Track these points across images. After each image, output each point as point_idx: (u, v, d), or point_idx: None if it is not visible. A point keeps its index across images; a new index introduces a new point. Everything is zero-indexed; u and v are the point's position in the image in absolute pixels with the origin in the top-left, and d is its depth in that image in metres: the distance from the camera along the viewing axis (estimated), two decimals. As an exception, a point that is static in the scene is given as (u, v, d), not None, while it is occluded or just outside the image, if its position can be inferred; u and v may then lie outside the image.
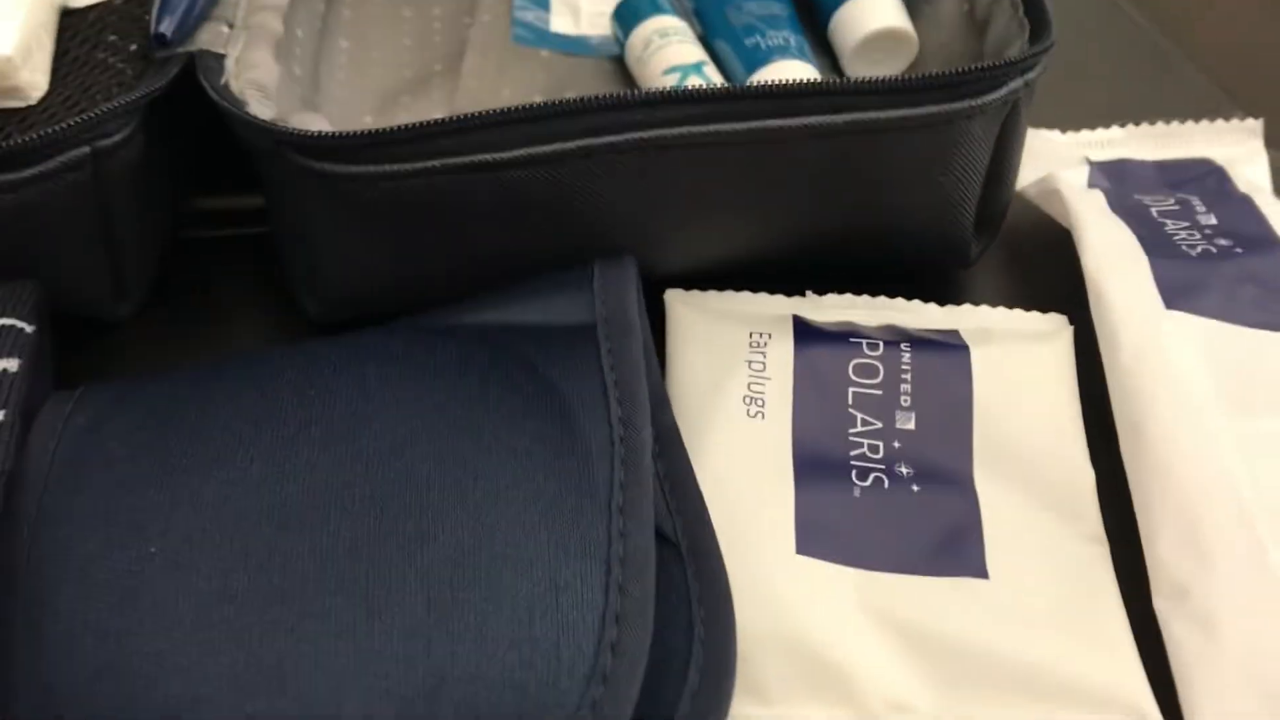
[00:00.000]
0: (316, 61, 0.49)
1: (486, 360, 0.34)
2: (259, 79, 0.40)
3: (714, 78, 0.47)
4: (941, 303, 0.41)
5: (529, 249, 0.39)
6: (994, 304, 0.42)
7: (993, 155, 0.40)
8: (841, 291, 0.41)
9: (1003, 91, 0.38)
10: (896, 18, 0.50)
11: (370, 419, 0.31)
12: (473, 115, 0.35)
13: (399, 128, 0.35)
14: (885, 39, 0.50)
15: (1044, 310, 0.41)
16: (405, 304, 0.40)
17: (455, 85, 0.50)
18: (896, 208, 0.40)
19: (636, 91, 0.36)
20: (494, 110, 0.35)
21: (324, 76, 0.50)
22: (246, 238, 0.46)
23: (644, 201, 0.38)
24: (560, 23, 0.54)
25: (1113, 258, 0.40)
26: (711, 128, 0.36)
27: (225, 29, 0.42)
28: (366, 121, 0.49)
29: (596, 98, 0.35)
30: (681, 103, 0.36)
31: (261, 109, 0.39)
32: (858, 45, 0.50)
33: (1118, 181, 0.46)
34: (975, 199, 0.41)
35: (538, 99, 0.51)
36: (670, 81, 0.47)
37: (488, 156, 0.35)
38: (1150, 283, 0.39)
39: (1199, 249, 0.40)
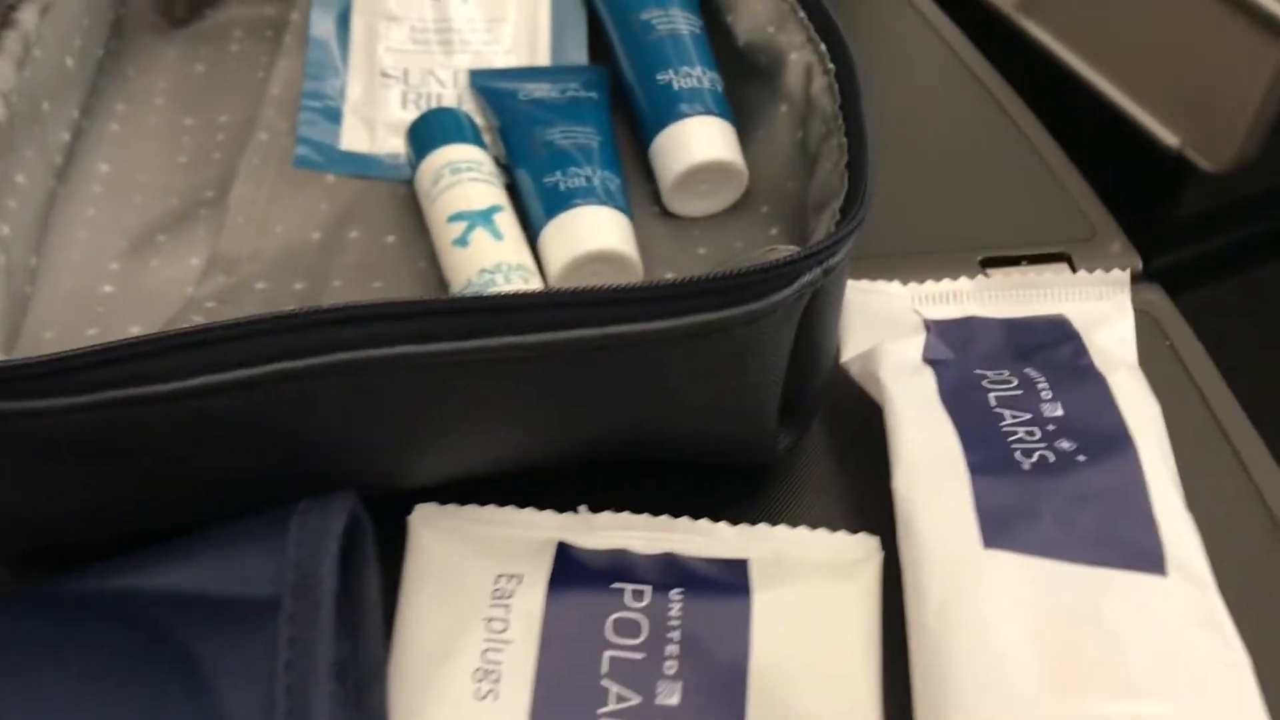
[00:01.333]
0: (47, 204, 0.43)
1: (139, 652, 0.28)
2: None
3: (505, 227, 0.41)
4: (741, 508, 0.36)
5: (250, 475, 0.33)
6: (806, 501, 0.37)
7: (795, 348, 0.34)
8: (619, 508, 0.35)
9: (793, 288, 0.32)
10: (722, 148, 0.44)
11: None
12: (120, 345, 0.29)
13: (23, 363, 0.29)
14: (710, 172, 0.44)
15: (859, 519, 0.35)
16: (112, 535, 0.34)
17: (222, 217, 0.44)
18: (676, 415, 0.34)
19: (332, 308, 0.29)
20: (150, 337, 0.29)
21: (60, 217, 0.43)
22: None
23: (371, 425, 0.32)
24: (352, 138, 0.47)
25: (927, 477, 0.34)
26: (432, 347, 0.30)
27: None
28: (112, 267, 0.42)
29: (284, 316, 0.29)
30: (389, 319, 0.30)
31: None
32: (677, 179, 0.44)
33: (960, 347, 0.40)
34: (775, 398, 0.35)
35: (316, 235, 0.45)
36: (453, 233, 0.41)
37: (151, 389, 0.29)
38: (969, 512, 0.33)
39: (1035, 456, 0.35)
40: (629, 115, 0.47)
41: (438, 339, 0.30)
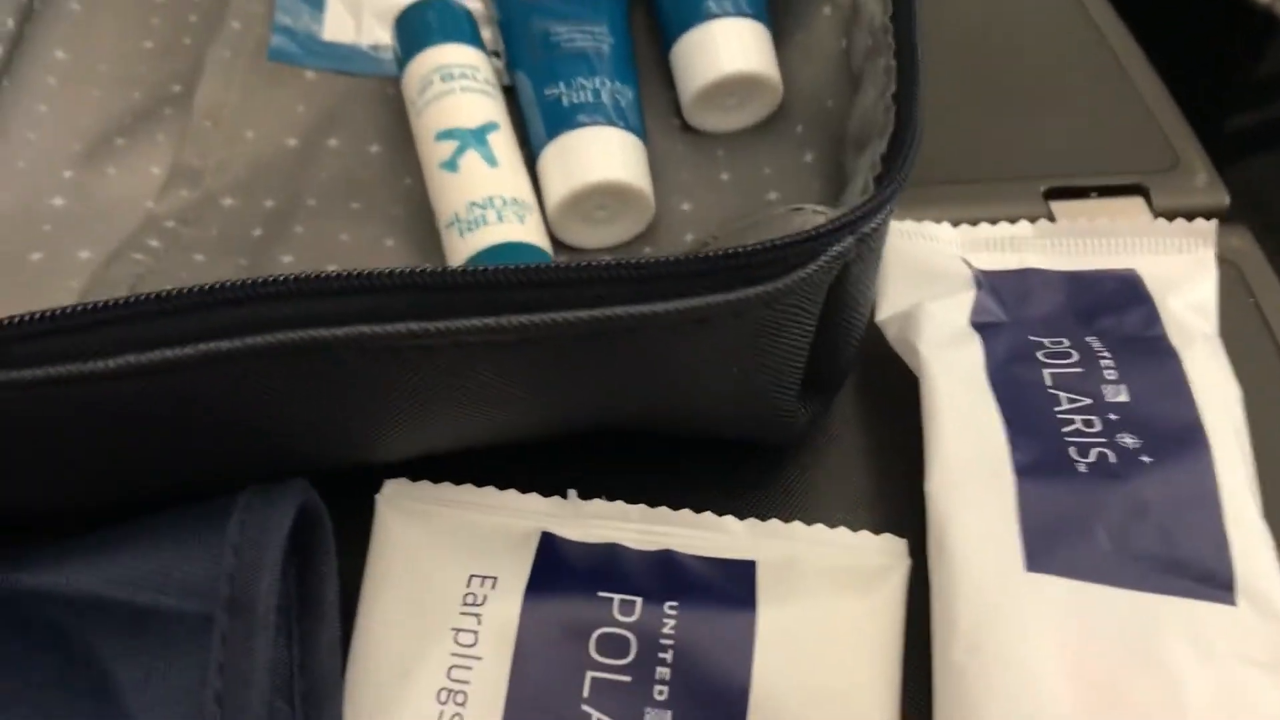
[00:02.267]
0: None
1: (51, 675, 0.24)
2: None
3: (500, 150, 0.36)
4: (749, 497, 0.32)
5: (184, 460, 0.29)
6: (825, 490, 0.33)
7: (822, 318, 0.30)
8: (612, 495, 0.31)
9: (820, 262, 0.27)
10: (754, 58, 0.38)
11: None
12: (27, 319, 0.25)
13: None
14: (739, 84, 0.38)
15: (885, 515, 0.31)
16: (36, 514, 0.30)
17: (187, 119, 0.39)
18: (676, 397, 0.30)
19: (270, 279, 0.25)
20: (71, 309, 0.25)
21: (5, 117, 0.38)
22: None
23: (321, 410, 0.27)
24: (335, 27, 0.42)
25: (966, 481, 0.29)
26: (388, 328, 0.25)
27: None
28: (63, 175, 0.38)
29: (213, 290, 0.25)
30: (336, 295, 0.25)
31: None
32: (701, 91, 0.38)
33: (1015, 306, 0.35)
34: (796, 377, 0.30)
35: (292, 143, 0.40)
36: (441, 153, 0.36)
37: (66, 369, 0.25)
38: (1013, 525, 0.29)
39: (1093, 454, 0.30)
40: (647, 6, 0.41)
41: (395, 319, 0.25)
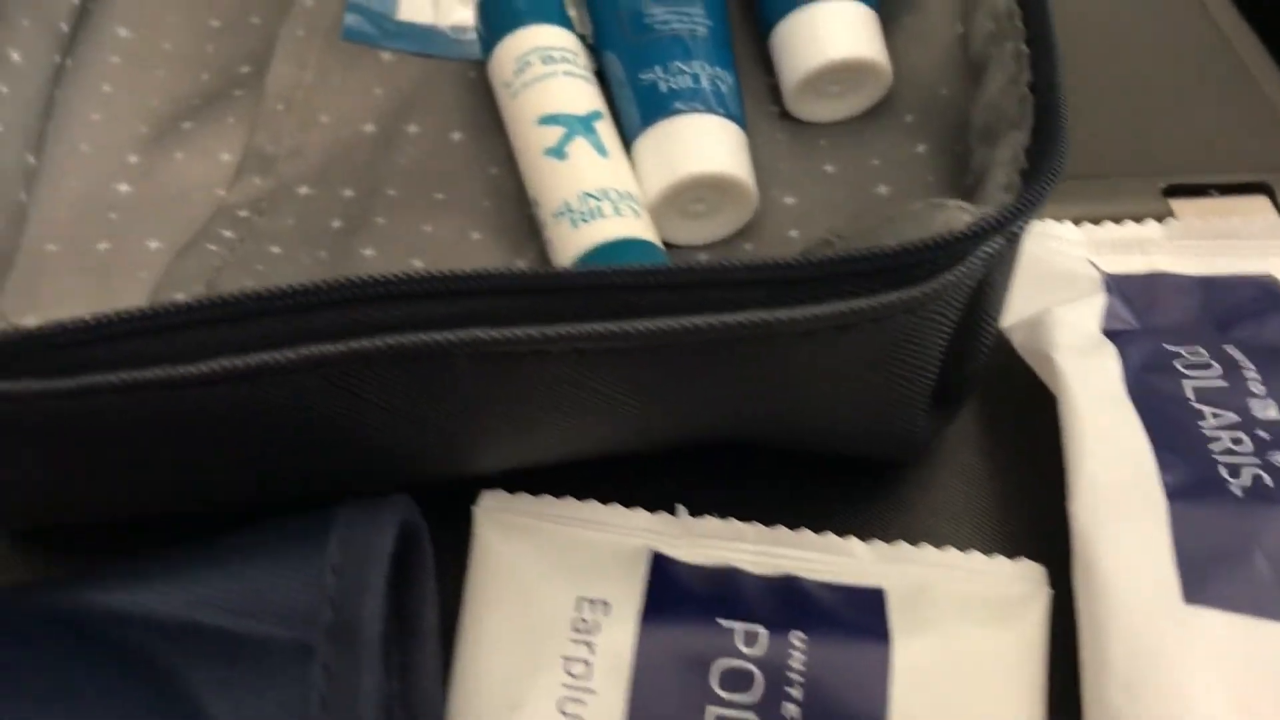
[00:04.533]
0: (50, 85, 0.36)
1: (139, 707, 0.22)
2: None
3: (608, 139, 0.34)
4: (871, 517, 0.29)
5: (273, 468, 0.27)
6: (952, 511, 0.30)
7: (956, 331, 0.27)
8: (723, 512, 0.29)
9: (967, 265, 0.25)
10: (863, 43, 0.36)
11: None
12: (112, 320, 0.23)
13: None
14: (845, 71, 0.36)
15: (1019, 538, 0.29)
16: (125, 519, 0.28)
17: (259, 103, 0.37)
18: (800, 409, 0.28)
19: (380, 280, 0.23)
20: (160, 309, 0.23)
21: (68, 99, 0.36)
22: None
23: (423, 419, 0.25)
24: (412, 6, 0.39)
25: (1114, 503, 0.27)
26: (507, 332, 0.23)
27: None
28: (130, 160, 0.36)
29: (327, 286, 0.23)
30: (451, 296, 0.23)
31: None
32: (805, 79, 0.36)
33: (1146, 313, 0.33)
34: (927, 389, 0.28)
35: (369, 129, 0.38)
36: (546, 139, 0.33)
37: (153, 373, 0.23)
38: (1167, 553, 0.26)
39: (1246, 475, 0.28)
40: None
41: (515, 323, 0.23)
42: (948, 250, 0.24)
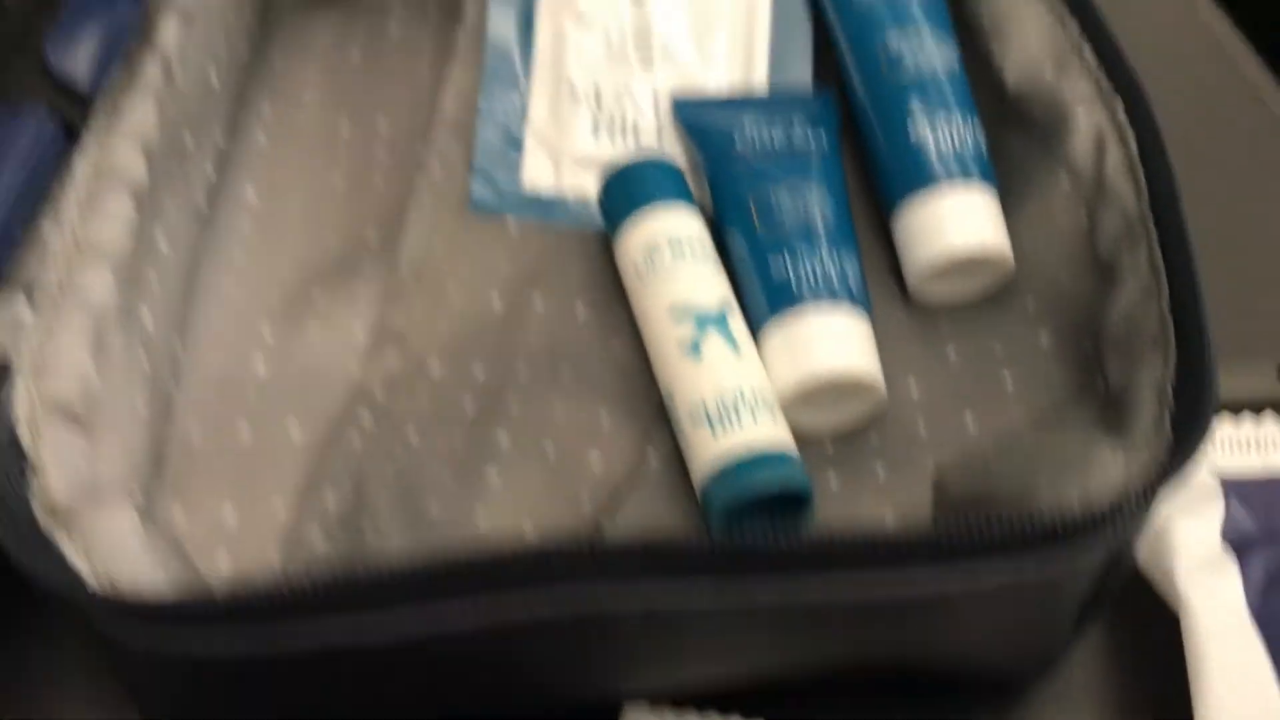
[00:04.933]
0: (192, 262, 0.37)
1: None
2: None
3: (739, 333, 0.34)
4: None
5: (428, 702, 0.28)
6: None
7: (1095, 581, 0.28)
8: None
9: (1126, 520, 0.25)
10: (988, 233, 0.36)
11: None
12: (333, 584, 0.23)
13: (214, 605, 0.23)
14: (969, 261, 0.36)
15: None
16: None
17: (390, 274, 0.38)
18: (942, 651, 0.28)
19: (591, 549, 0.24)
20: (361, 576, 0.23)
21: (205, 271, 0.37)
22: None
23: (585, 670, 0.26)
24: (535, 173, 0.40)
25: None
26: (693, 599, 0.24)
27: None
28: (264, 334, 0.37)
29: (527, 564, 0.23)
30: (656, 572, 0.24)
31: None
32: (929, 268, 0.36)
33: (1266, 519, 0.33)
34: (1071, 623, 0.29)
35: (497, 304, 0.38)
36: (680, 334, 0.34)
37: (343, 641, 0.24)
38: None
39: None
40: (856, 148, 0.39)
41: (693, 590, 0.24)
42: (1112, 514, 0.25)
